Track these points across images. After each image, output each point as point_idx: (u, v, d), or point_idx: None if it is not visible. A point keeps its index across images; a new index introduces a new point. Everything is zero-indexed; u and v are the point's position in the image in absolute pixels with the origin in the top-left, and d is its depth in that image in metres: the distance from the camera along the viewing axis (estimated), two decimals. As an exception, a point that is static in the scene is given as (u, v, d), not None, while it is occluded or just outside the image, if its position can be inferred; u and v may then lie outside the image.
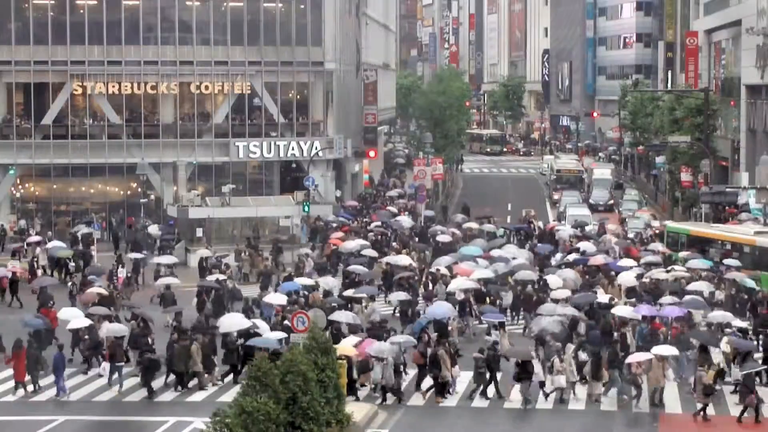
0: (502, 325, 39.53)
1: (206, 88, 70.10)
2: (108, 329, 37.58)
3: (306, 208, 62.96)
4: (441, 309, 40.55)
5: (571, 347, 34.93)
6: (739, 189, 65.89)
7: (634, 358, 33.90)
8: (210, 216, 61.80)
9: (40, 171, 68.90)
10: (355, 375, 34.30)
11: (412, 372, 35.48)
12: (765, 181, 63.00)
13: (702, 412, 32.30)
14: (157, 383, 35.25)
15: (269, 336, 36.00)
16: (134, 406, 33.81)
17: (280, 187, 71.33)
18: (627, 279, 46.56)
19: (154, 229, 63.55)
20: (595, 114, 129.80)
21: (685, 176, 73.01)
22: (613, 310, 40.21)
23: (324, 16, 71.72)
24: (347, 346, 34.38)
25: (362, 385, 34.69)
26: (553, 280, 46.55)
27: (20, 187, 69.31)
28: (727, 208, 66.44)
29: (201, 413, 30.96)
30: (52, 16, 68.62)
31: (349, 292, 44.91)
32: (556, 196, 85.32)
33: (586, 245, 56.06)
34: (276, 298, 42.40)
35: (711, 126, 73.22)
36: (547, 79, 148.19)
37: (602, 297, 43.06)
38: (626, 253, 54.55)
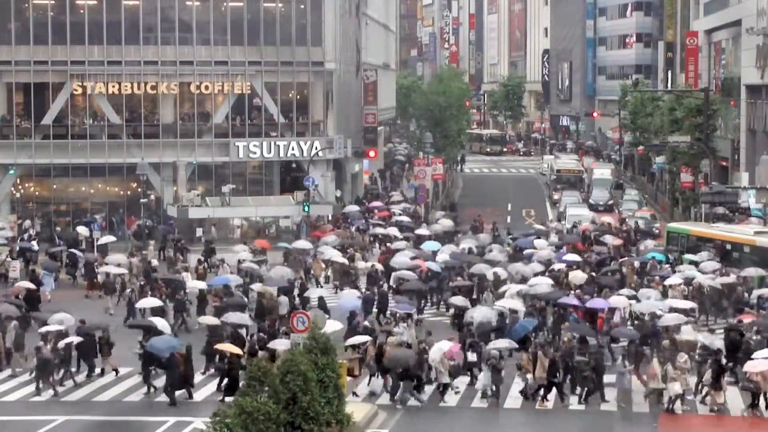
0: (410, 316, 40.26)
1: (206, 88, 70.07)
2: (56, 318, 38.33)
3: (306, 208, 63.06)
4: (350, 302, 41.59)
5: (683, 356, 33.81)
6: (739, 189, 65.91)
7: (752, 367, 32.82)
8: (210, 216, 62.21)
9: (40, 171, 68.88)
10: (447, 379, 34.14)
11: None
12: (765, 181, 63.03)
13: None
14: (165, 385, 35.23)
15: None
16: (134, 406, 33.83)
17: (280, 187, 71.33)
18: (577, 275, 47.50)
19: (82, 229, 63.15)
20: (595, 114, 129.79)
21: (685, 177, 73.00)
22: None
23: (324, 16, 71.69)
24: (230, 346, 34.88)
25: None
26: (499, 272, 48.19)
27: (20, 187, 69.30)
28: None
29: (201, 413, 30.98)
30: (52, 16, 68.61)
31: (256, 287, 45.70)
32: (556, 196, 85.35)
33: (540, 242, 57.66)
34: (149, 302, 42.50)
35: (711, 126, 73.15)
36: (547, 79, 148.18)
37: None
38: (573, 249, 55.78)
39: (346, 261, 52.61)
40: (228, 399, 33.16)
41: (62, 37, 67.62)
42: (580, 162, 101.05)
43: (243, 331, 38.92)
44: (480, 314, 39.69)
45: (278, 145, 70.17)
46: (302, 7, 71.56)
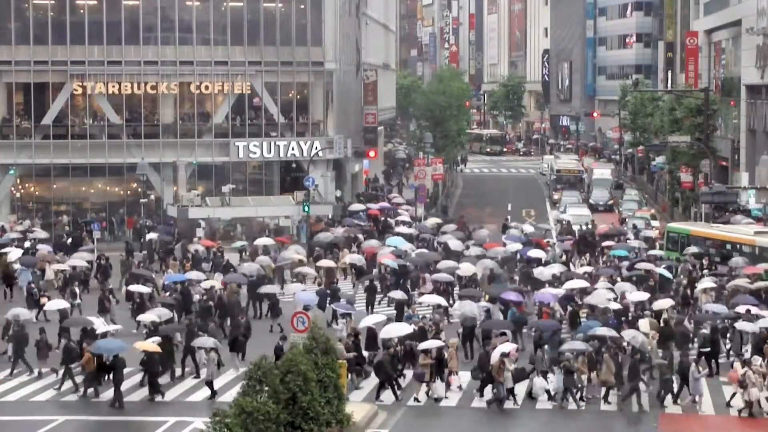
0: (349, 315, 40.96)
1: (206, 88, 70.08)
2: (11, 313, 39.37)
3: (306, 208, 63.07)
4: (306, 297, 42.37)
5: (758, 360, 33.40)
6: (739, 189, 65.91)
7: None
8: (210, 216, 62.30)
9: (40, 171, 68.88)
10: (511, 383, 33.60)
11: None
12: (765, 181, 63.05)
13: None
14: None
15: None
16: (134, 406, 33.81)
17: (280, 187, 71.34)
18: (541, 272, 48.14)
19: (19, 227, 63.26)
20: (595, 114, 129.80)
21: (685, 177, 72.99)
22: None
23: (324, 16, 71.71)
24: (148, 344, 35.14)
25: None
26: (465, 267, 48.65)
27: (20, 187, 69.31)
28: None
29: (201, 413, 30.99)
30: (52, 16, 68.61)
31: (205, 283, 46.48)
32: (556, 196, 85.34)
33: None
34: (56, 304, 42.57)
35: (711, 126, 73.17)
36: (547, 79, 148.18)
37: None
38: (536, 245, 56.50)
39: (304, 258, 53.72)
40: (156, 397, 33.95)
41: (62, 37, 67.62)
42: (580, 162, 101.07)
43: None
44: (464, 309, 39.64)
45: (278, 145, 70.18)
46: (302, 7, 71.57)
